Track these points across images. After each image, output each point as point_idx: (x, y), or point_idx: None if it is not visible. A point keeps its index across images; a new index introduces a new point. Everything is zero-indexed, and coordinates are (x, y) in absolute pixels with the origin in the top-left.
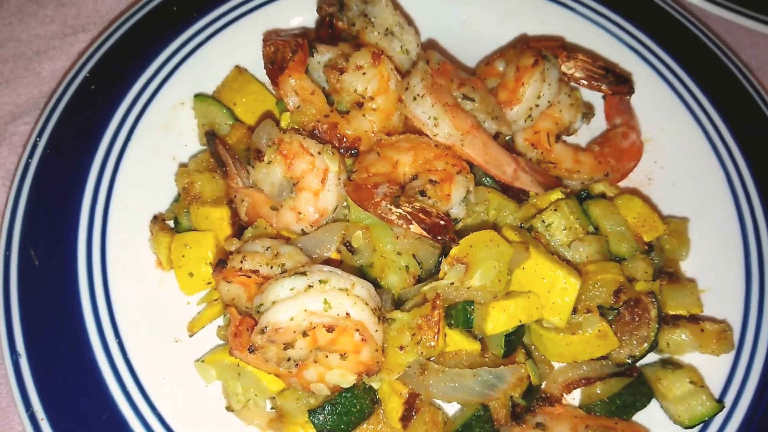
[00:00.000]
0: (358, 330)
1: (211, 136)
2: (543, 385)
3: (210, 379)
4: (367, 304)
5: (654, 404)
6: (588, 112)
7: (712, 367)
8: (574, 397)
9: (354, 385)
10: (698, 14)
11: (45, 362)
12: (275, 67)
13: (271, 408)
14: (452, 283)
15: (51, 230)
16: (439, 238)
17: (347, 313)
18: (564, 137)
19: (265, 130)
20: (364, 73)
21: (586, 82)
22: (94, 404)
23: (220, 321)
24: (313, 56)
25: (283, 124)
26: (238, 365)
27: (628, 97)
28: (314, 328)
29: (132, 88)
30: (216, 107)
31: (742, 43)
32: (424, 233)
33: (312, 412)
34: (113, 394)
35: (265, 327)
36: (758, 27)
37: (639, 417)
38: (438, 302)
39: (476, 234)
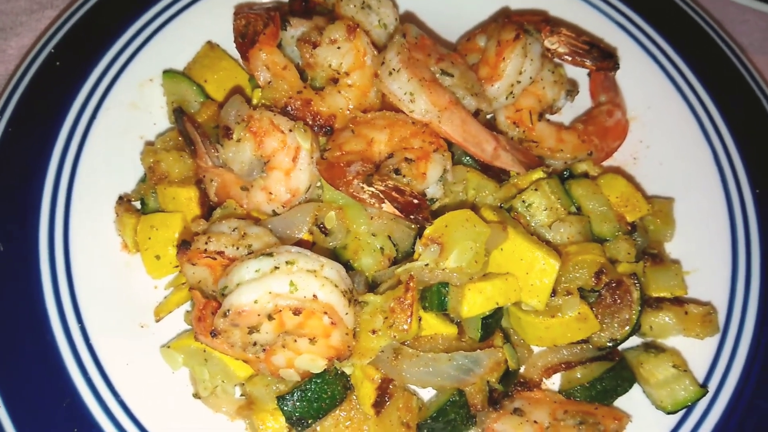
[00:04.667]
0: (326, 313)
1: (179, 113)
2: (521, 370)
3: (176, 365)
4: (336, 286)
5: (636, 389)
6: (572, 89)
7: (696, 351)
8: (554, 382)
9: (325, 370)
10: None
11: (3, 348)
12: (246, 40)
13: (240, 395)
14: (427, 265)
15: (12, 211)
16: (412, 217)
17: (314, 295)
18: (547, 115)
19: (234, 106)
20: (338, 48)
21: (570, 58)
22: (55, 391)
23: (188, 306)
24: (285, 30)
25: (254, 101)
26: (205, 351)
27: (613, 74)
28: (280, 311)
29: (98, 64)
30: (186, 84)
31: (732, 19)
32: (397, 212)
33: (281, 398)
34: (74, 380)
35: (228, 310)
36: (748, 3)
37: (620, 402)
38: (411, 284)
39: (452, 213)
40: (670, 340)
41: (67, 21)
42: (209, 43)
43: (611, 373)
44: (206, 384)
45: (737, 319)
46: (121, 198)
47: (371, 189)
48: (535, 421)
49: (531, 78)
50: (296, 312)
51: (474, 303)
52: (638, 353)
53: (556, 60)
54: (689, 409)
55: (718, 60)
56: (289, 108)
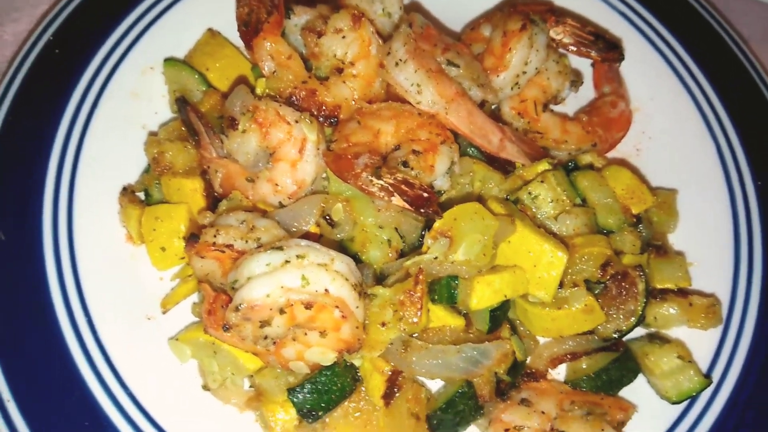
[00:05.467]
0: (337, 306)
1: (182, 103)
2: (528, 361)
3: (185, 357)
4: (347, 279)
5: (641, 379)
6: (576, 79)
7: (700, 342)
8: (560, 372)
9: (334, 362)
10: None
11: (11, 342)
12: (249, 29)
13: (250, 386)
14: (436, 258)
15: (15, 204)
16: (422, 210)
17: (326, 290)
18: (551, 106)
19: (239, 97)
20: (343, 37)
21: (575, 48)
22: (64, 385)
23: (194, 297)
24: (289, 18)
25: (258, 91)
26: (214, 343)
27: (617, 65)
28: (291, 305)
29: (98, 51)
30: (187, 72)
31: (734, 10)
32: (407, 206)
33: (291, 391)
34: (83, 373)
35: (240, 304)
36: None
37: (625, 392)
38: (421, 277)
39: (461, 206)
40: (673, 331)
41: (65, 6)
42: (210, 30)
43: (616, 364)
44: (215, 376)
45: (740, 309)
46: (125, 189)
47: (380, 182)
48: (542, 412)
49: (536, 69)
50: (308, 306)
51: (483, 296)
52: (643, 344)
53: (561, 50)
54: (693, 398)
55: (720, 51)
56: (293, 98)
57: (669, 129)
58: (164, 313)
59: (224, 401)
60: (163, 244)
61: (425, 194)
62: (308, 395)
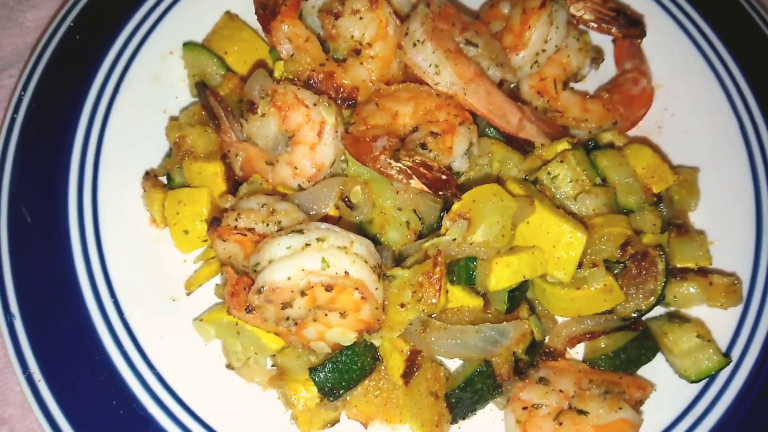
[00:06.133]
0: (357, 288)
1: (201, 88)
2: (546, 340)
3: (209, 337)
4: (366, 262)
5: (659, 358)
6: (597, 56)
7: (719, 320)
8: (578, 352)
9: (354, 342)
10: None
11: (40, 323)
12: (267, 12)
13: (272, 366)
14: (454, 239)
15: (41, 188)
16: (440, 193)
17: (346, 272)
18: (571, 84)
19: (258, 81)
20: (361, 18)
21: (595, 25)
22: (92, 365)
23: (217, 279)
24: (306, 0)
25: (276, 74)
26: (237, 324)
27: (639, 41)
28: (312, 287)
29: (118, 37)
30: (206, 56)
31: None
32: (425, 188)
33: (313, 370)
34: (110, 354)
35: (262, 287)
36: None
37: (644, 371)
38: (439, 259)
39: (479, 188)
40: (693, 310)
41: None
42: (228, 13)
43: (635, 343)
44: (239, 355)
45: (761, 289)
46: (147, 173)
47: (399, 165)
48: (560, 390)
49: (556, 46)
50: (328, 288)
51: (501, 276)
52: (662, 323)
53: (581, 27)
54: (712, 378)
55: (744, 26)
56: (311, 81)
57: (691, 106)
58: (188, 294)
59: (248, 380)
60: (186, 227)
61: (444, 176)
62: (329, 374)
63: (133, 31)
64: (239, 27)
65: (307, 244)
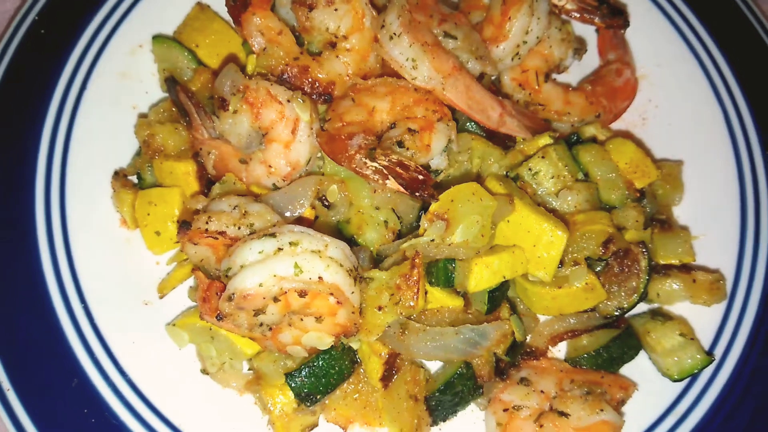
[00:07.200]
0: (332, 293)
1: (171, 83)
2: (528, 339)
3: (183, 342)
4: (341, 265)
5: (642, 356)
6: (579, 47)
7: (703, 317)
8: (560, 350)
9: (332, 346)
10: None
11: (7, 330)
12: (237, 3)
13: (249, 369)
14: (432, 240)
15: (6, 190)
16: (417, 194)
17: (320, 277)
18: (554, 75)
19: (229, 76)
20: (335, 9)
21: (578, 15)
22: (62, 372)
23: (191, 281)
24: None
25: (249, 69)
26: (211, 329)
27: (622, 31)
28: (285, 293)
29: (86, 30)
30: (177, 50)
31: None
32: (401, 189)
33: (289, 375)
34: (81, 361)
35: (233, 294)
36: None
37: (626, 369)
38: (417, 261)
39: (458, 187)
40: (676, 307)
41: None
42: (199, 4)
43: (617, 341)
44: (213, 360)
45: (744, 285)
46: (117, 173)
47: (375, 164)
48: (542, 391)
49: (538, 37)
50: (302, 294)
51: (481, 277)
52: (645, 321)
53: (563, 17)
54: (695, 376)
55: (730, 15)
56: (285, 76)
57: (676, 97)
58: (161, 297)
59: (223, 385)
60: (157, 228)
61: (420, 177)
62: (306, 379)
63: (100, 23)
64: (211, 18)
65: (280, 249)
